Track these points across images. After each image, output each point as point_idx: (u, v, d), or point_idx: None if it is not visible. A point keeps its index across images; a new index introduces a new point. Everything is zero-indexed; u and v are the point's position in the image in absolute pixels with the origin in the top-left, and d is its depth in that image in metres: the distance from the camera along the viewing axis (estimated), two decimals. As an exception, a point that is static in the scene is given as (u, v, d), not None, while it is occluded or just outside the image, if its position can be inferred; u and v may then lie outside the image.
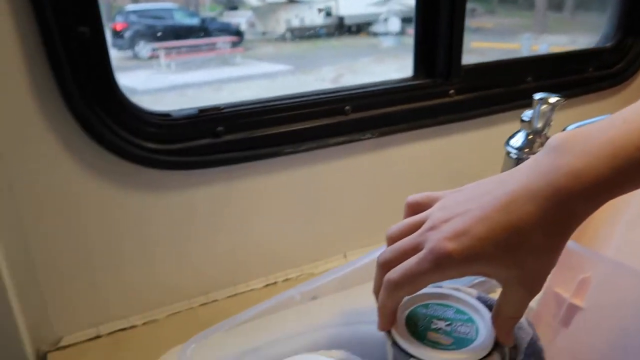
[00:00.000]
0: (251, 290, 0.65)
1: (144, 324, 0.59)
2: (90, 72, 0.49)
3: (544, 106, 0.56)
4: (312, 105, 0.62)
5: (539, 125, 0.58)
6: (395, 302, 0.35)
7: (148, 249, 0.58)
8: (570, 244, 0.50)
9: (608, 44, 0.88)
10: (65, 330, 0.56)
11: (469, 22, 0.72)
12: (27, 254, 0.52)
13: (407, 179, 0.72)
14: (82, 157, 0.51)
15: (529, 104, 0.79)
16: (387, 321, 0.37)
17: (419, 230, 0.33)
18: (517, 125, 0.67)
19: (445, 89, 0.72)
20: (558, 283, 0.53)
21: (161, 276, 0.60)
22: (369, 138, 0.65)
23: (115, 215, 0.54)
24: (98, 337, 0.57)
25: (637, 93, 0.90)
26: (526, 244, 0.29)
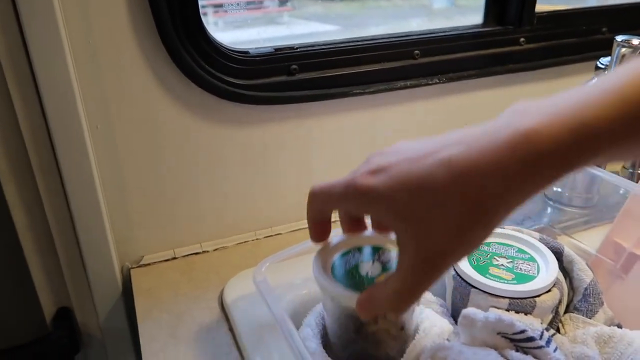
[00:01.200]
0: (313, 227, 0.68)
1: (215, 250, 0.64)
2: (181, 5, 0.51)
3: (625, 49, 0.54)
4: (382, 48, 0.63)
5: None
6: (312, 212, 0.34)
7: (223, 181, 0.61)
8: (637, 188, 0.50)
9: (693, -4, 0.83)
10: (146, 250, 0.61)
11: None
12: (120, 179, 0.56)
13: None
14: (171, 88, 0.54)
15: (602, 55, 0.77)
16: (312, 233, 0.36)
17: None
18: (588, 76, 0.65)
19: (516, 37, 0.70)
20: (619, 232, 0.53)
21: (232, 207, 0.63)
22: (436, 83, 0.65)
23: (197, 145, 0.58)
24: (174, 258, 0.62)
25: None
26: (446, 203, 0.25)
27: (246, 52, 0.59)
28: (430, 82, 0.65)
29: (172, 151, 0.57)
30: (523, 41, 0.71)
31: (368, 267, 0.36)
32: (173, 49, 0.52)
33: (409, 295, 0.28)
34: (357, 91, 0.62)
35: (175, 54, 0.52)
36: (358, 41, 0.63)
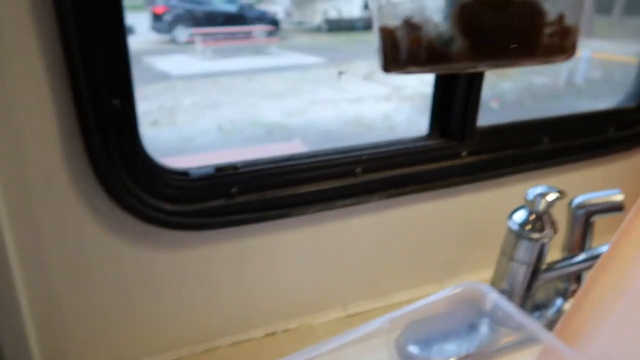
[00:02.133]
0: (252, 339, 0.68)
1: (151, 368, 0.64)
2: (118, 139, 0.52)
3: (542, 202, 0.57)
4: (324, 167, 0.65)
5: (540, 208, 0.59)
6: None
7: (158, 300, 0.62)
8: (551, 339, 0.52)
9: (631, 104, 0.87)
10: (80, 368, 0.61)
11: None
12: (52, 300, 0.56)
13: (411, 238, 0.74)
14: (103, 218, 0.55)
15: (543, 165, 0.80)
16: None
17: None
18: (528, 186, 0.68)
19: (458, 150, 0.73)
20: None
21: (168, 324, 0.64)
22: (376, 200, 0.67)
23: (130, 270, 0.58)
24: (109, 375, 0.62)
25: (657, 156, 0.89)
26: None
27: (186, 174, 0.60)
28: (370, 200, 0.67)
29: (107, 275, 0.58)
30: (465, 154, 0.73)
31: None
32: (107, 183, 0.53)
33: None
34: (297, 212, 0.63)
35: (110, 188, 0.53)
36: (301, 158, 0.65)
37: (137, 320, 0.62)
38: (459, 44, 0.20)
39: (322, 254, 0.69)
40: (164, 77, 6.35)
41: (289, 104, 5.28)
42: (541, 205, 0.59)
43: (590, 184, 0.85)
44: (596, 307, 0.55)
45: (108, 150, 0.52)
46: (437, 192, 0.72)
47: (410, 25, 0.22)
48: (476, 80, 0.71)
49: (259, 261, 0.65)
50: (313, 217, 0.65)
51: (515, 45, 0.21)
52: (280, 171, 0.63)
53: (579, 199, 0.70)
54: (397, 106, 4.71)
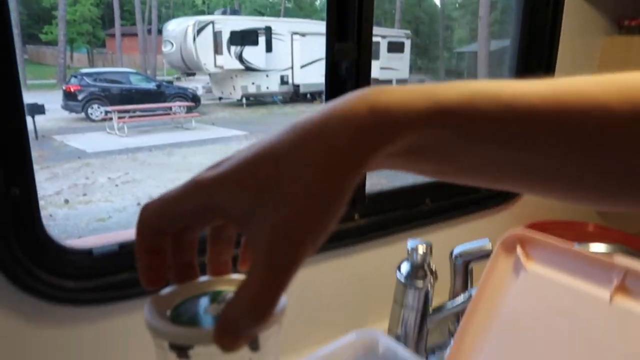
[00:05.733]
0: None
1: None
2: (17, 225, 0.55)
3: (418, 254, 0.66)
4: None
5: (418, 260, 0.68)
6: (143, 233, 0.27)
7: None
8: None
9: (497, 166, 1.03)
10: None
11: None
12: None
13: (313, 297, 0.80)
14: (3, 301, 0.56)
15: (426, 223, 0.90)
16: (143, 269, 0.27)
17: None
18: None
19: (351, 214, 0.82)
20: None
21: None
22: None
23: (29, 350, 0.58)
24: None
25: (519, 210, 1.04)
26: (282, 181, 0.24)
27: (89, 252, 0.62)
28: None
29: (4, 355, 0.57)
30: (357, 217, 0.82)
31: (212, 311, 0.30)
32: (5, 266, 0.54)
33: (275, 286, 0.24)
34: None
35: (8, 270, 0.54)
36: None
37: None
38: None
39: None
40: (78, 154, 6.15)
41: (210, 177, 5.29)
42: (419, 257, 0.68)
43: (466, 237, 0.96)
44: (473, 339, 0.63)
45: (7, 239, 0.54)
46: (334, 252, 0.80)
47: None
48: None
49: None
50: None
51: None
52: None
53: (457, 250, 0.80)
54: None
